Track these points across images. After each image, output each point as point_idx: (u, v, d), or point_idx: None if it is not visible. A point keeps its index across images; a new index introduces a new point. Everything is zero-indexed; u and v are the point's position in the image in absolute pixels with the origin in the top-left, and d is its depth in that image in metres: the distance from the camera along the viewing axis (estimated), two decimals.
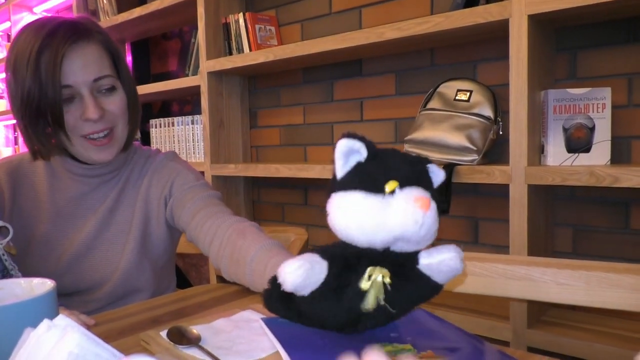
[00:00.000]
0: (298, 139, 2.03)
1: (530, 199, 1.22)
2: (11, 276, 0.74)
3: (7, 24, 3.48)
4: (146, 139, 2.46)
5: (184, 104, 2.56)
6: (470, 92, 1.41)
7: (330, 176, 0.53)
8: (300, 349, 0.52)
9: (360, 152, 0.51)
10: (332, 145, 0.53)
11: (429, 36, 1.41)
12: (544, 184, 1.19)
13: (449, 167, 1.33)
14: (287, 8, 2.00)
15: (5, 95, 0.86)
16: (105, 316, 0.76)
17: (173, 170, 0.97)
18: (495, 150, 1.46)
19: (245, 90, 2.14)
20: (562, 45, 1.37)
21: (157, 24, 2.38)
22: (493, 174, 1.26)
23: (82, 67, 0.82)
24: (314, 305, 0.53)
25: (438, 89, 1.47)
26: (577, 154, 1.22)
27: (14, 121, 0.91)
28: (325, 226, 0.51)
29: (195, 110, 2.44)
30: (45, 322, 0.40)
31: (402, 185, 0.49)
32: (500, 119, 1.39)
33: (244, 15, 1.93)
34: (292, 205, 2.07)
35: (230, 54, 1.99)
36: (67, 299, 0.92)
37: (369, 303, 0.52)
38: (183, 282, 1.38)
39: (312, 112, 1.97)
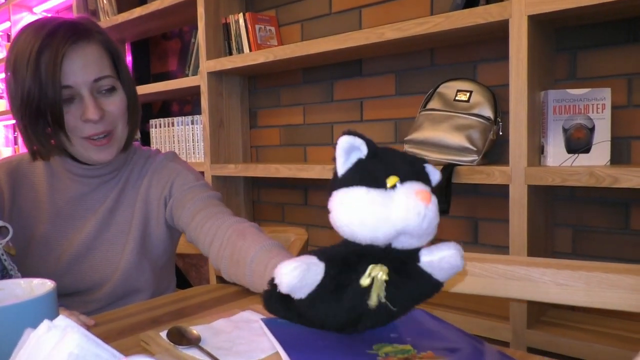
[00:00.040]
0: (298, 139, 2.03)
1: (530, 200, 1.22)
2: (10, 276, 0.74)
3: (7, 24, 3.48)
4: (146, 139, 2.46)
5: (183, 104, 2.56)
6: (470, 92, 1.41)
7: (330, 176, 0.54)
8: (300, 350, 0.52)
9: (360, 149, 0.52)
10: (332, 145, 0.54)
11: (429, 36, 1.41)
12: (544, 184, 1.19)
13: (449, 168, 1.33)
14: (287, 8, 2.00)
15: (5, 95, 0.86)
16: (105, 316, 0.76)
17: (173, 171, 0.97)
18: (495, 151, 1.46)
19: (245, 90, 2.14)
20: (562, 46, 1.37)
21: (157, 24, 2.38)
22: (493, 175, 1.26)
23: (82, 68, 0.82)
24: (314, 307, 0.53)
25: (438, 89, 1.47)
26: (576, 155, 1.22)
27: (14, 121, 0.90)
28: (325, 226, 0.52)
29: (195, 110, 2.44)
30: (46, 323, 0.40)
31: (403, 180, 0.50)
32: (500, 120, 1.39)
33: (244, 15, 1.93)
34: (292, 206, 2.07)
35: (230, 54, 1.99)
36: (66, 299, 0.92)
37: (371, 301, 0.52)
38: (183, 282, 1.38)
39: (312, 112, 1.97)
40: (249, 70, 1.98)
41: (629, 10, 1.20)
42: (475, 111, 1.38)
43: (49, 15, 3.29)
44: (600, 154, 1.21)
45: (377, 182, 0.50)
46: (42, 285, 0.56)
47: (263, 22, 1.95)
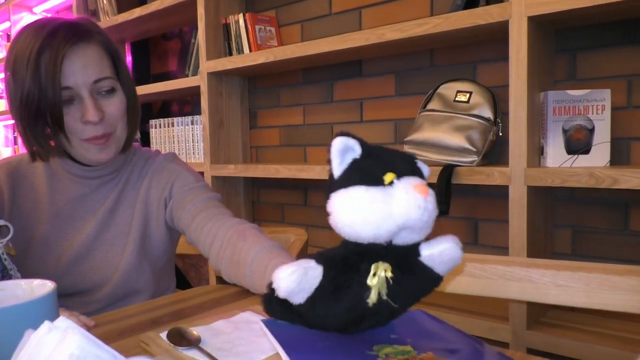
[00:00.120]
0: (298, 140, 2.03)
1: (530, 200, 1.22)
2: (10, 276, 0.74)
3: (7, 24, 3.48)
4: (146, 140, 2.46)
5: (183, 104, 2.56)
6: (470, 93, 1.41)
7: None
8: (301, 351, 0.52)
9: (354, 149, 0.53)
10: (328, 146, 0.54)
11: (429, 37, 1.41)
12: (544, 185, 1.19)
13: (449, 168, 1.33)
14: (287, 9, 2.00)
15: (4, 95, 0.86)
16: (105, 317, 0.76)
17: (173, 172, 0.97)
18: (494, 152, 1.46)
19: (245, 90, 2.14)
20: (562, 47, 1.38)
21: (157, 24, 2.38)
22: (493, 175, 1.26)
23: (82, 69, 0.82)
24: (313, 309, 0.53)
25: (438, 90, 1.47)
26: (576, 156, 1.22)
27: (13, 121, 0.90)
28: (325, 227, 0.52)
29: (195, 110, 2.44)
30: (46, 324, 0.40)
31: (399, 176, 0.51)
32: (499, 120, 1.40)
33: (244, 15, 1.93)
34: (291, 206, 2.07)
35: (230, 54, 1.99)
36: (66, 300, 0.92)
37: (372, 299, 0.52)
38: (182, 282, 1.38)
39: (312, 113, 1.97)
40: (249, 71, 1.98)
41: (629, 11, 1.20)
42: (475, 112, 1.38)
43: (49, 15, 3.29)
44: (600, 154, 1.21)
45: (374, 180, 0.50)
46: (42, 286, 0.56)
47: (263, 23, 1.95)
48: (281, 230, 1.16)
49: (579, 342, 1.18)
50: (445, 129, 1.37)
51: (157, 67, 2.70)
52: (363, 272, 0.53)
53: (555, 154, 1.23)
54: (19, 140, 3.63)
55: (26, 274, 0.80)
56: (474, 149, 1.33)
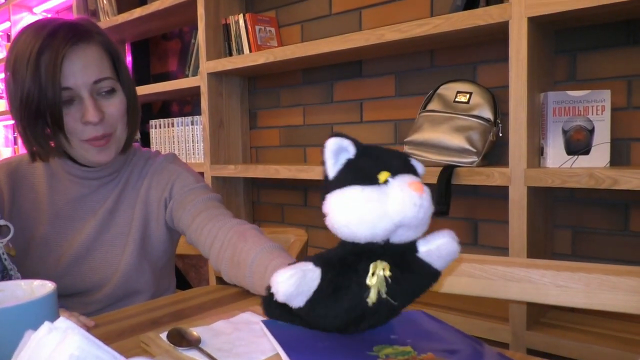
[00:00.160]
0: (298, 140, 2.03)
1: (530, 201, 1.22)
2: (10, 276, 0.74)
3: (7, 24, 3.48)
4: (146, 140, 2.46)
5: (183, 104, 2.56)
6: (470, 94, 1.41)
7: None
8: (301, 351, 0.52)
9: (348, 149, 0.53)
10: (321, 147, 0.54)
11: (429, 38, 1.41)
12: (544, 185, 1.19)
13: (449, 169, 1.33)
14: (287, 9, 2.00)
15: (4, 95, 0.86)
16: (105, 318, 0.76)
17: (173, 173, 0.97)
18: (494, 152, 1.46)
19: (245, 91, 2.14)
20: (562, 47, 1.38)
21: (157, 24, 2.38)
22: (492, 176, 1.26)
23: (82, 69, 0.82)
24: (313, 311, 0.53)
25: (438, 91, 1.47)
26: (576, 156, 1.22)
27: (13, 121, 0.90)
28: (325, 227, 0.52)
29: (195, 110, 2.44)
30: (46, 325, 0.40)
31: (394, 174, 0.51)
32: (499, 121, 1.40)
33: (244, 16, 1.93)
34: (291, 206, 2.07)
35: (230, 54, 1.99)
36: (66, 300, 0.92)
37: (371, 298, 0.52)
38: (182, 282, 1.38)
39: (312, 113, 1.97)
40: (249, 71, 1.98)
41: (629, 12, 1.20)
42: (475, 112, 1.38)
43: (49, 15, 3.29)
44: (599, 155, 1.21)
45: (369, 179, 0.51)
46: (42, 287, 0.56)
47: (263, 23, 1.95)
48: (281, 231, 1.16)
49: (578, 342, 1.18)
50: (445, 129, 1.37)
51: (157, 67, 2.70)
52: (361, 272, 0.53)
53: (555, 155, 1.23)
54: (19, 140, 3.63)
55: (26, 275, 0.80)
56: (474, 150, 1.33)
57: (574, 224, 1.39)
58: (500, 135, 1.39)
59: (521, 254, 1.22)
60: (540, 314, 1.33)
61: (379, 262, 0.53)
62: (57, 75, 0.79)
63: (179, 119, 2.22)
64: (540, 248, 1.31)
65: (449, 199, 1.31)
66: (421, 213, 0.50)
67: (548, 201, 1.36)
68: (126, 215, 0.95)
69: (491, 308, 1.38)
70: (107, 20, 2.41)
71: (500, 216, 1.50)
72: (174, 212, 0.94)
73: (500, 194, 1.49)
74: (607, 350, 1.14)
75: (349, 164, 0.53)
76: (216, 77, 2.00)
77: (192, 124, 2.17)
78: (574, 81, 1.37)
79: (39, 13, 3.25)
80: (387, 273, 0.52)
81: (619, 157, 1.31)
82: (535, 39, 1.23)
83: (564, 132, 1.23)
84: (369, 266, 0.53)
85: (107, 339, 0.64)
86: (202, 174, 1.98)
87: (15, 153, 3.79)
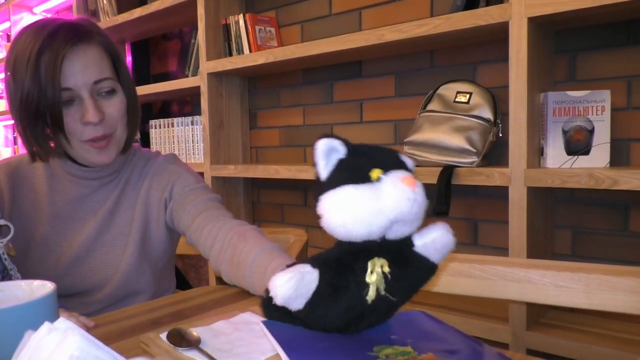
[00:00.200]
0: (298, 140, 2.03)
1: (530, 201, 1.22)
2: (10, 276, 0.74)
3: (7, 24, 3.48)
4: (146, 140, 2.46)
5: (183, 104, 2.56)
6: (470, 94, 1.41)
7: None
8: (301, 352, 0.52)
9: (338, 149, 0.53)
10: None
11: (429, 38, 1.41)
12: (544, 186, 1.19)
13: (449, 169, 1.33)
14: (287, 9, 2.00)
15: (4, 95, 0.86)
16: (105, 318, 0.76)
17: (173, 173, 0.97)
18: (494, 153, 1.46)
19: (245, 91, 2.14)
20: (562, 48, 1.38)
21: (157, 24, 2.38)
22: (492, 176, 1.26)
23: (82, 69, 0.82)
24: (313, 312, 0.54)
25: (438, 91, 1.47)
26: (576, 157, 1.22)
27: (13, 122, 0.90)
28: None
29: (195, 111, 2.44)
30: (46, 325, 0.40)
31: (386, 171, 0.51)
32: (499, 121, 1.40)
33: (244, 16, 1.93)
34: (291, 207, 2.07)
35: (230, 54, 1.99)
36: (66, 300, 0.92)
37: (370, 296, 0.52)
38: (182, 283, 1.38)
39: (312, 113, 1.97)
40: (249, 71, 1.98)
41: (629, 12, 1.20)
42: (475, 113, 1.38)
43: (49, 15, 3.29)
44: (599, 155, 1.21)
45: (362, 177, 0.51)
46: (42, 287, 0.56)
47: (263, 23, 1.95)
48: (281, 231, 1.16)
49: (578, 343, 1.18)
50: (445, 129, 1.37)
51: (157, 68, 2.70)
52: (359, 271, 0.53)
53: (555, 155, 1.23)
54: (19, 140, 3.63)
55: (26, 275, 0.80)
56: (474, 150, 1.33)
57: (573, 224, 1.39)
58: (500, 135, 1.39)
59: (521, 254, 1.22)
60: (540, 314, 1.33)
61: (376, 259, 0.53)
62: (57, 75, 0.79)
63: (179, 119, 2.22)
64: (540, 248, 1.31)
65: (448, 199, 1.31)
66: (415, 207, 0.50)
67: (548, 201, 1.36)
68: (126, 215, 0.95)
69: (491, 308, 1.38)
70: (107, 20, 2.41)
71: (500, 216, 1.50)
72: (174, 213, 0.94)
73: (500, 194, 1.49)
74: (606, 351, 1.14)
75: (341, 163, 0.53)
76: (216, 77, 2.00)
77: (192, 124, 2.17)
78: (574, 81, 1.37)
79: (39, 13, 3.25)
80: (386, 269, 0.53)
81: (618, 158, 1.31)
82: (535, 39, 1.23)
83: (564, 132, 1.23)
84: (366, 265, 0.53)
85: (107, 339, 0.64)
86: (202, 174, 1.98)
87: (15, 153, 3.79)
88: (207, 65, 1.96)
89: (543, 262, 0.79)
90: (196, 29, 2.07)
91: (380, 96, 1.76)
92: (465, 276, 0.82)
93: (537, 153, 1.27)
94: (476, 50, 1.53)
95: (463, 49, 1.56)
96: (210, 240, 0.87)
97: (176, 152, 2.21)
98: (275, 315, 0.59)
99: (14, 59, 0.82)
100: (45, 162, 0.93)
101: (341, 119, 1.88)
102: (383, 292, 0.53)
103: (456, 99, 1.42)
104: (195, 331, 0.61)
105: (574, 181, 1.14)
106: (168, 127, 2.27)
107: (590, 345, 1.17)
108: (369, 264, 0.53)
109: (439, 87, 1.47)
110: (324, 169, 0.53)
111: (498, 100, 1.42)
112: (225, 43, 2.01)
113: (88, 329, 0.69)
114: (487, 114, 1.38)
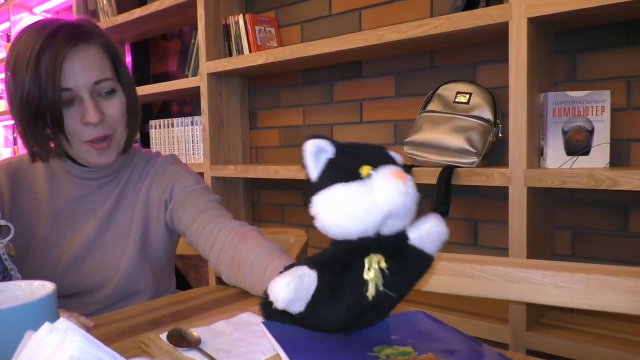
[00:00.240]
0: (297, 140, 2.03)
1: (530, 202, 1.22)
2: (11, 277, 0.74)
3: (6, 24, 3.48)
4: (145, 140, 2.46)
5: (183, 104, 2.56)
6: (470, 94, 1.41)
7: None
8: (301, 352, 0.52)
9: (327, 149, 0.54)
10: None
11: (429, 38, 1.41)
12: (543, 186, 1.19)
13: (449, 169, 1.33)
14: (287, 9, 2.00)
15: (4, 95, 0.86)
16: (105, 318, 0.76)
17: (174, 174, 0.97)
18: (494, 153, 1.46)
19: (245, 91, 2.14)
20: (562, 48, 1.38)
21: (157, 24, 2.38)
22: (492, 177, 1.26)
23: (82, 70, 0.82)
24: (313, 313, 0.54)
25: (437, 91, 1.47)
26: (576, 157, 1.22)
27: (13, 122, 0.90)
28: None
29: (195, 111, 2.44)
30: (46, 326, 0.40)
31: (376, 167, 0.52)
32: (499, 122, 1.40)
33: (244, 16, 1.93)
34: (291, 207, 2.07)
35: (230, 55, 1.99)
36: (66, 300, 0.92)
37: (370, 292, 0.53)
38: (182, 283, 1.38)
39: (312, 114, 1.97)
40: (249, 72, 1.98)
41: (629, 12, 1.20)
42: (475, 113, 1.38)
43: (49, 15, 3.29)
44: (599, 156, 1.21)
45: (352, 175, 0.51)
46: (42, 288, 0.56)
47: (263, 24, 1.95)
48: (281, 231, 1.16)
49: (578, 343, 1.18)
50: (445, 130, 1.37)
51: (157, 68, 2.70)
52: (357, 269, 0.53)
53: (555, 155, 1.23)
54: (19, 140, 3.62)
55: (26, 275, 0.80)
56: (474, 150, 1.33)
57: (573, 224, 1.39)
58: (500, 135, 1.40)
59: (521, 254, 1.22)
60: (540, 315, 1.33)
61: (373, 255, 0.53)
62: (57, 76, 0.79)
63: (179, 119, 2.22)
64: (540, 248, 1.31)
65: (448, 199, 1.31)
66: (408, 200, 0.51)
67: (548, 202, 1.36)
68: (126, 215, 0.95)
69: (491, 308, 1.38)
70: (107, 20, 2.41)
71: (500, 217, 1.50)
72: (174, 213, 0.94)
73: (500, 194, 1.49)
74: (606, 351, 1.14)
75: (330, 163, 0.53)
76: (216, 78, 2.00)
77: (192, 124, 2.17)
78: (574, 81, 1.37)
79: (39, 13, 3.25)
80: (383, 265, 0.53)
81: (618, 158, 1.31)
82: (535, 39, 1.23)
83: (564, 132, 1.23)
84: (363, 262, 0.53)
85: (107, 340, 0.64)
86: (202, 174, 1.98)
87: (15, 153, 3.79)
88: (207, 66, 1.96)
89: (543, 262, 0.79)
90: (196, 29, 2.07)
91: (380, 96, 1.76)
92: (465, 276, 0.82)
93: (537, 153, 1.27)
94: (476, 51, 1.53)
95: (463, 49, 1.56)
96: (210, 241, 0.87)
97: (176, 153, 2.21)
98: (275, 317, 0.59)
99: (14, 59, 0.82)
100: (45, 163, 0.93)
101: (341, 119, 1.88)
102: (382, 288, 0.53)
103: (456, 99, 1.42)
104: (195, 331, 0.61)
105: (573, 181, 1.14)
106: (168, 127, 2.27)
107: (590, 345, 1.17)
108: (366, 261, 0.53)
109: (438, 87, 1.47)
110: (314, 170, 0.53)
111: (498, 101, 1.42)
112: (225, 43, 2.01)
113: (88, 329, 0.69)
114: (487, 114, 1.38)
